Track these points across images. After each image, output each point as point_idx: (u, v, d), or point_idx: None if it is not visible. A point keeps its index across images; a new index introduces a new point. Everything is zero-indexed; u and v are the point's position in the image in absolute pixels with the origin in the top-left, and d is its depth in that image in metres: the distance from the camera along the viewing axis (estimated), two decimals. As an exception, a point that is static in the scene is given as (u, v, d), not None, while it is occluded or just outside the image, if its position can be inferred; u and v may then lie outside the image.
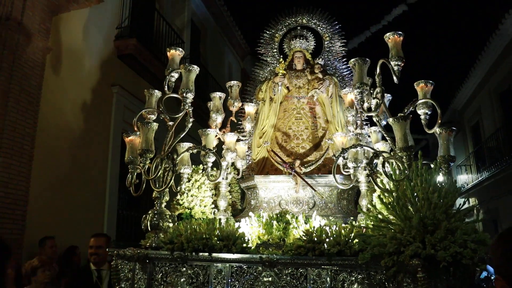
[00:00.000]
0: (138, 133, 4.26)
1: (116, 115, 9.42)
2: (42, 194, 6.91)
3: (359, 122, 5.03)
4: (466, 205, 14.93)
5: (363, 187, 4.62)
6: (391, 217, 3.41)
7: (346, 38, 6.02)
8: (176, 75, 4.42)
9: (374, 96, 3.99)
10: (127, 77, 9.73)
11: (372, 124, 4.90)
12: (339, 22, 6.06)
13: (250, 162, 5.93)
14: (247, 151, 5.93)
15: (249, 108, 5.41)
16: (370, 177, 4.05)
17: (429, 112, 4.03)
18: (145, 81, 10.11)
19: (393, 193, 3.43)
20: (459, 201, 17.99)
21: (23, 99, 6.38)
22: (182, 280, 3.91)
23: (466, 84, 18.35)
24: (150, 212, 4.20)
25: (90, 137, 8.38)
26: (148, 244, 4.11)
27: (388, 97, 4.69)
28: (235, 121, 5.35)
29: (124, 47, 9.50)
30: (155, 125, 4.14)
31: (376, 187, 3.78)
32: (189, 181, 5.00)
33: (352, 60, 3.99)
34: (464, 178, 19.80)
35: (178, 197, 5.00)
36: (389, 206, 3.39)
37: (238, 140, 5.23)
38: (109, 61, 9.32)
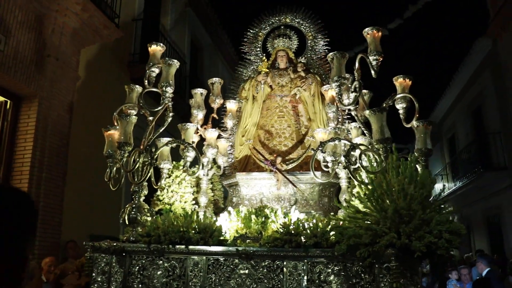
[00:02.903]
0: (117, 127, 3.96)
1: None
2: (72, 202, 7.35)
3: (340, 118, 4.77)
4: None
5: (343, 183, 4.37)
6: (368, 209, 3.13)
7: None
8: (156, 70, 4.13)
9: (352, 90, 3.73)
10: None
11: (354, 120, 4.60)
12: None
13: (233, 161, 5.62)
14: (230, 150, 5.62)
15: (231, 105, 5.09)
16: (347, 170, 3.77)
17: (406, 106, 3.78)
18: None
19: (369, 185, 3.15)
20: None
21: (59, 123, 7.06)
22: (158, 273, 3.62)
23: (444, 99, 18.33)
24: (128, 206, 3.90)
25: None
26: (125, 238, 3.81)
27: (368, 93, 4.43)
28: (217, 117, 5.04)
29: (136, 71, 9.61)
30: (133, 119, 3.84)
31: (354, 180, 3.51)
32: (169, 177, 4.68)
33: (330, 54, 3.74)
34: (441, 186, 19.57)
35: (158, 192, 4.68)
36: (365, 197, 3.11)
37: (219, 137, 4.93)
38: (123, 84, 9.23)
